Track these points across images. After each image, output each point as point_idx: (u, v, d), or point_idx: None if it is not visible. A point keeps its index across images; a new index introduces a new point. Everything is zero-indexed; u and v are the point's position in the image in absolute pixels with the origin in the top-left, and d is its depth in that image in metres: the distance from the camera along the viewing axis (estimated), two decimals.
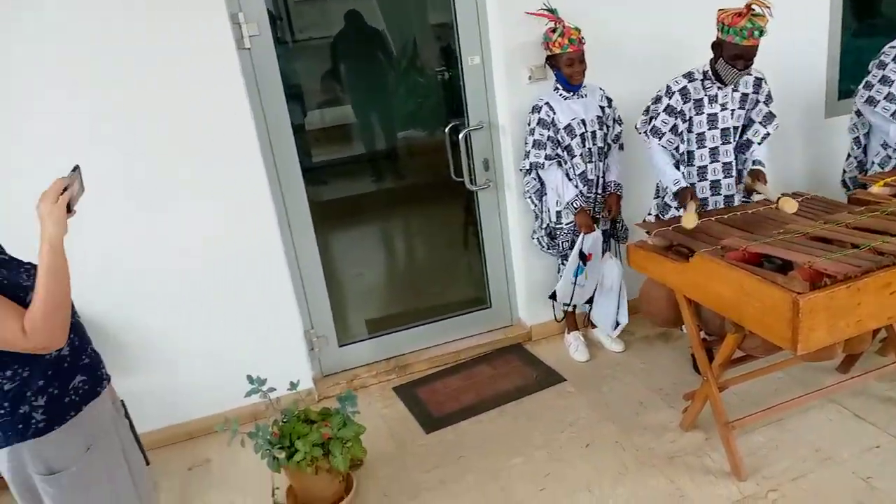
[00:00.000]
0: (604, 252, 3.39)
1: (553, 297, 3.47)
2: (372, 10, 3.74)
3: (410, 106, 4.16)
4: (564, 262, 3.40)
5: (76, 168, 1.80)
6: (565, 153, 3.23)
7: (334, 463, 2.52)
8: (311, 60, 3.91)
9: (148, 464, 2.16)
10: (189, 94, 2.86)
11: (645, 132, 3.14)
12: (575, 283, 3.35)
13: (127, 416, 2.11)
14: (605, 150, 3.31)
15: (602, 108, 3.26)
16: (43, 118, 2.72)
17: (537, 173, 3.29)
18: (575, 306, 3.58)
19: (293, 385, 2.77)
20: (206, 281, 3.09)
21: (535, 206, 3.40)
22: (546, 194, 3.34)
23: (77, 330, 1.87)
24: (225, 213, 3.04)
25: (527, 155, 3.26)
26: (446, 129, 3.52)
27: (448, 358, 3.63)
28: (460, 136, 3.45)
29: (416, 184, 4.46)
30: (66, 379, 1.80)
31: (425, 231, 4.42)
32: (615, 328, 3.44)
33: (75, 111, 2.75)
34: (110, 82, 2.77)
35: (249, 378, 2.65)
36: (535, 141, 3.21)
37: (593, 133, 3.23)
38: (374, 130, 4.39)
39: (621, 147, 3.40)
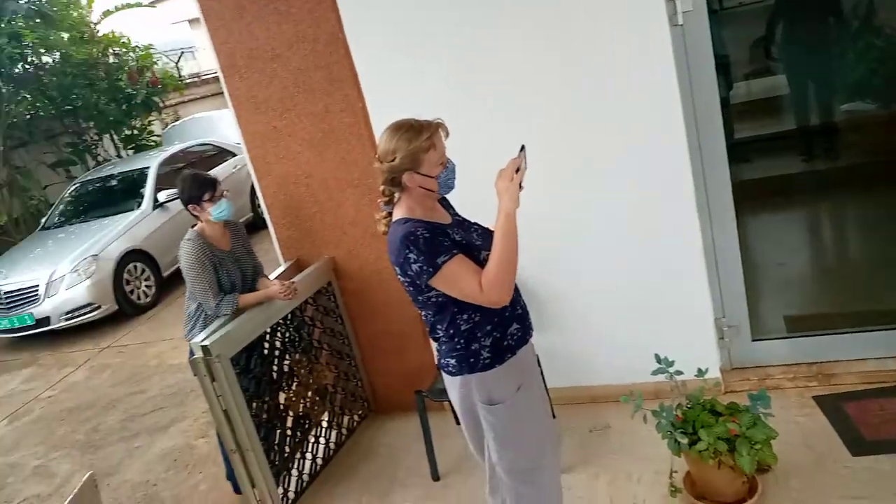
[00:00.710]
0: None
1: None
2: None
3: (860, 74, 3.62)
4: None
5: (523, 148, 2.01)
6: None
7: (740, 462, 2.38)
8: (739, 29, 3.69)
9: (553, 417, 2.36)
10: (616, 70, 2.93)
11: None
12: None
13: (539, 366, 2.34)
14: None
15: None
16: (492, 101, 3.10)
17: None
18: None
19: (700, 372, 2.69)
20: (620, 254, 3.17)
21: None
22: None
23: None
24: (644, 189, 3.06)
25: None
26: None
27: (889, 376, 3.06)
28: None
29: (859, 165, 3.88)
30: (506, 326, 2.08)
31: (869, 222, 3.81)
32: None
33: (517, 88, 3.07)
34: (548, 56, 2.99)
35: (657, 357, 2.65)
36: None
37: None
38: (810, 103, 3.94)
39: None
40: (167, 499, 3.77)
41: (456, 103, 3.05)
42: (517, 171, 1.95)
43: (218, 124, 10.65)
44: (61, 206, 8.40)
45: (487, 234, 2.12)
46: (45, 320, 6.82)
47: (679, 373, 2.62)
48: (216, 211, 3.18)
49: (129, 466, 4.21)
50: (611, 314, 3.28)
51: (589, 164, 3.10)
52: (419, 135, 1.98)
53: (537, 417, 2.16)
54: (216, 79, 3.73)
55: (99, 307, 6.91)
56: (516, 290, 2.13)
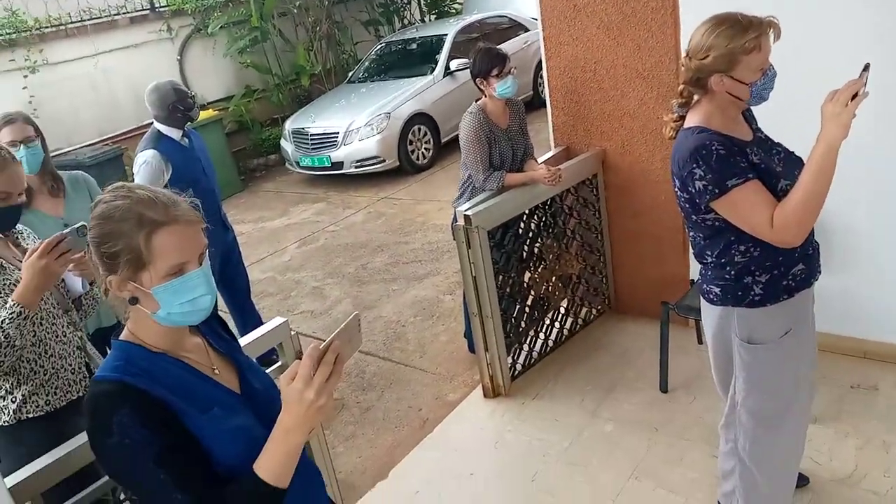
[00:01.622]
0: None
1: None
2: None
3: None
4: None
5: (867, 68, 1.67)
6: None
7: None
8: None
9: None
10: None
11: None
12: None
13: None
14: None
15: None
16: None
17: None
18: None
19: None
20: None
21: None
22: None
23: None
24: None
25: None
26: None
27: None
28: None
29: None
30: (790, 265, 1.86)
31: None
32: None
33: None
34: None
35: None
36: None
37: None
38: None
39: None
40: (411, 340, 4.22)
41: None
42: (854, 96, 1.62)
43: None
44: (366, 63, 9.20)
45: (791, 160, 1.86)
46: (339, 164, 7.71)
47: None
48: (501, 87, 3.24)
49: (385, 304, 4.76)
50: None
51: None
52: (744, 33, 1.73)
53: (798, 366, 1.96)
54: None
55: (384, 160, 7.62)
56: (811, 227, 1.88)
